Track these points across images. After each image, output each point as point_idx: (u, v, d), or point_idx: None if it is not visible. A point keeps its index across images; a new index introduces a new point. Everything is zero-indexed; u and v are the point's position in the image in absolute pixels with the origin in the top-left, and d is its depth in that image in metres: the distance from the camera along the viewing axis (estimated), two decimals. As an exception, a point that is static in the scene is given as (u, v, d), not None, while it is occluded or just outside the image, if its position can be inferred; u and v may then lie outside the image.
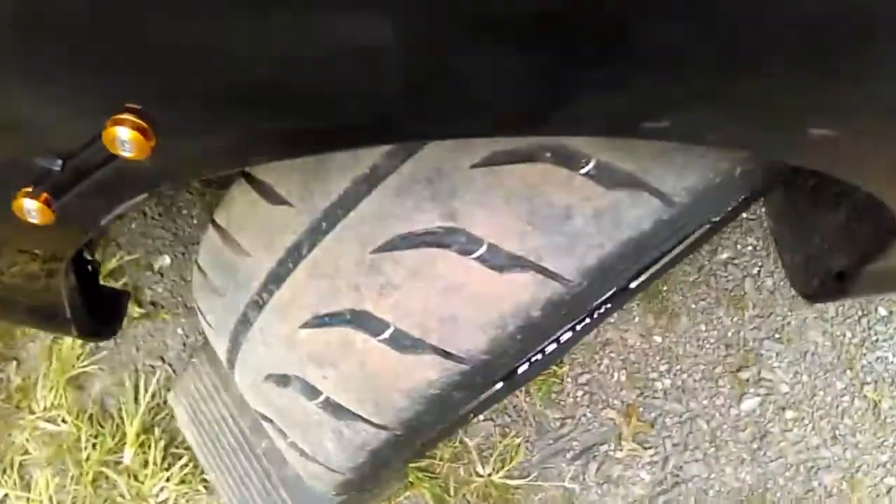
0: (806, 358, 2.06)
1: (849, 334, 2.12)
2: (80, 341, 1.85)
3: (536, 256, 0.91)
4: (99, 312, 1.41)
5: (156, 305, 1.96)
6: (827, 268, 1.46)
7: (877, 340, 2.12)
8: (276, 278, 1.05)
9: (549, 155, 0.89)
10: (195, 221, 2.06)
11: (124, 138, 0.61)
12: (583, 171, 0.88)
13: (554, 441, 1.91)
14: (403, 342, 0.96)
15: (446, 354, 0.95)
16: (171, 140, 0.65)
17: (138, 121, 0.61)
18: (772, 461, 1.95)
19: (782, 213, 1.58)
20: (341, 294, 0.99)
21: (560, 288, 0.92)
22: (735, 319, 2.08)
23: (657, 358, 2.01)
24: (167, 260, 2.00)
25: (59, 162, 0.73)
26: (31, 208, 0.80)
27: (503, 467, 1.85)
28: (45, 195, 0.78)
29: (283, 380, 1.10)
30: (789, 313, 2.10)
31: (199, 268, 1.19)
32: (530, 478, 1.86)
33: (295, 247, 1.02)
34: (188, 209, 2.06)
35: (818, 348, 2.08)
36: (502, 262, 0.92)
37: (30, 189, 0.80)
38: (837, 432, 2.00)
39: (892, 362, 2.09)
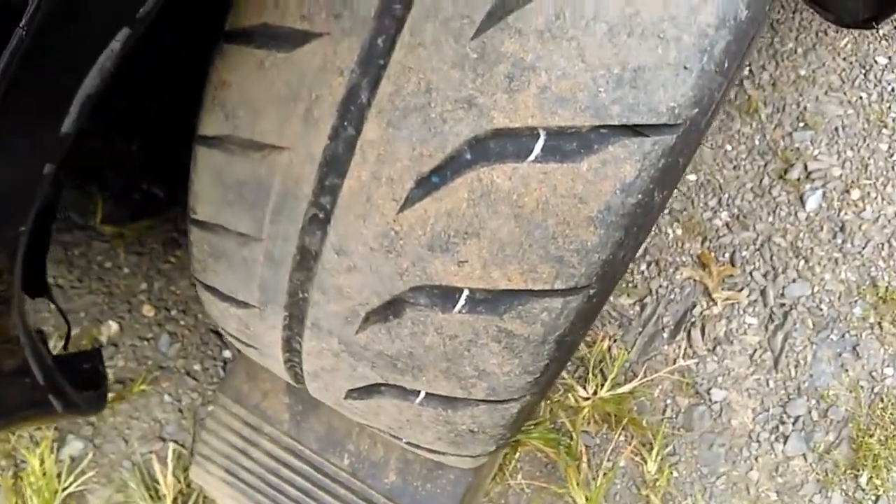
0: (839, 134, 1.86)
1: (864, 95, 1.93)
2: (50, 464, 1.41)
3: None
4: (73, 381, 1.01)
5: (124, 383, 1.53)
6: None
7: (892, 90, 1.94)
8: (335, 161, 0.69)
9: None
10: (125, 270, 1.63)
11: None
12: None
13: (642, 328, 1.61)
14: (567, 146, 0.63)
15: (640, 130, 0.62)
16: None
17: None
18: (863, 248, 1.72)
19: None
20: (449, 125, 0.65)
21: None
22: (754, 125, 1.85)
23: (702, 196, 1.75)
24: (113, 326, 1.57)
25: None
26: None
27: (606, 379, 1.53)
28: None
29: (392, 309, 0.74)
30: (800, 97, 1.89)
31: (204, 224, 0.82)
32: (639, 377, 1.55)
33: (349, 96, 0.67)
34: (110, 260, 1.63)
35: (844, 119, 1.88)
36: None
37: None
38: (907, 193, 1.80)
39: (917, 105, 1.92)
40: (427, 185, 0.67)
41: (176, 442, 1.48)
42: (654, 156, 0.64)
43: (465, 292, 0.71)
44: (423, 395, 0.83)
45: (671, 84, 0.61)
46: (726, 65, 0.63)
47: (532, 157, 0.64)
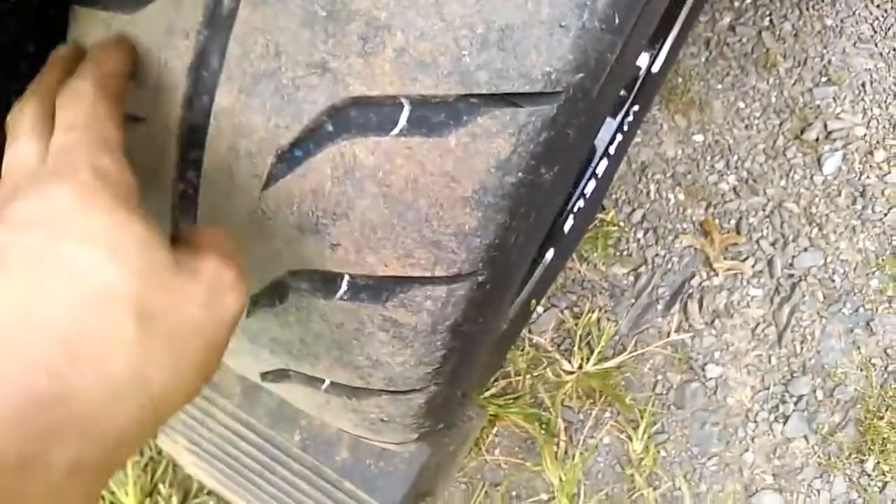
0: (866, 89, 1.70)
1: (898, 46, 1.77)
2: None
3: None
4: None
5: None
6: None
7: (932, 40, 1.77)
8: (194, 132, 0.63)
9: None
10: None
11: None
12: None
13: (635, 299, 1.52)
14: (434, 117, 0.56)
15: (512, 100, 0.54)
16: None
17: None
18: (885, 214, 1.59)
19: None
20: (303, 92, 0.57)
21: None
22: (771, 81, 1.71)
23: (708, 158, 1.63)
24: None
25: None
26: None
27: (592, 353, 1.45)
28: None
29: (276, 293, 0.69)
30: (825, 50, 1.74)
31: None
32: (628, 351, 1.47)
33: (198, 60, 0.60)
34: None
35: (874, 74, 1.72)
36: None
37: None
38: (940, 153, 1.65)
39: (959, 56, 1.74)
40: (289, 159, 0.60)
41: (150, 410, 1.46)
42: (532, 129, 0.55)
43: (346, 277, 0.65)
44: (327, 382, 0.77)
45: (545, 45, 0.53)
46: (617, 20, 0.54)
47: (396, 130, 0.56)
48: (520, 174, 0.57)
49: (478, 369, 0.90)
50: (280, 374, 0.81)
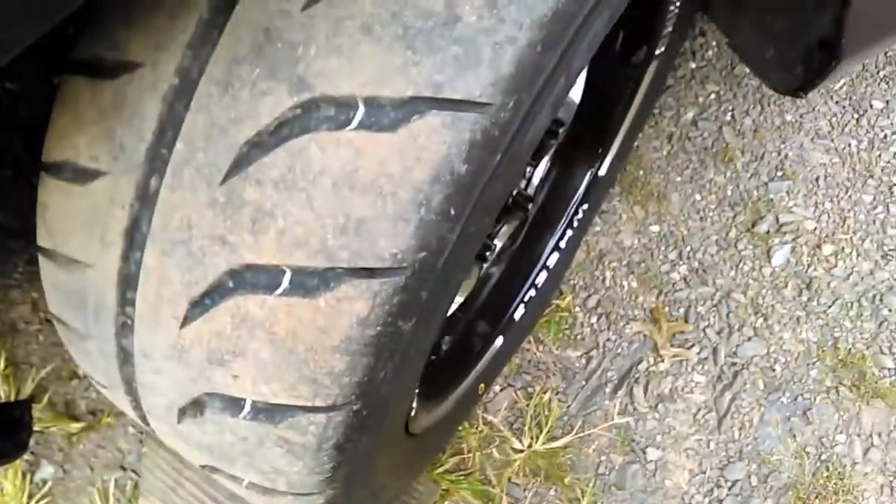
0: (819, 184, 1.80)
1: (853, 142, 1.87)
2: (19, 487, 1.55)
3: (433, 88, 0.64)
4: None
5: (95, 413, 1.66)
6: (807, 44, 1.21)
7: (885, 137, 1.87)
8: (129, 279, 0.76)
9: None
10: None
11: None
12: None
13: (586, 381, 1.62)
14: (309, 283, 0.69)
15: (368, 273, 0.67)
16: None
17: None
18: (829, 306, 1.67)
19: (734, 14, 1.32)
20: (208, 258, 0.71)
21: (479, 119, 0.65)
22: (728, 175, 1.82)
23: (663, 248, 1.74)
24: (89, 357, 1.70)
25: None
26: None
27: (541, 432, 1.56)
28: None
29: (196, 408, 0.81)
30: (783, 145, 1.85)
31: (56, 318, 0.91)
32: (575, 431, 1.57)
33: (132, 225, 0.74)
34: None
35: (828, 168, 1.83)
36: (392, 117, 0.64)
37: None
38: (885, 248, 1.74)
39: (910, 154, 1.84)
40: (200, 306, 0.74)
41: (135, 472, 1.59)
42: (385, 294, 0.68)
43: (249, 401, 0.77)
44: (246, 481, 0.89)
45: (391, 233, 0.65)
46: (452, 211, 0.67)
47: (280, 291, 0.70)
48: (379, 328, 0.70)
49: (381, 471, 1.02)
50: (211, 469, 0.94)
